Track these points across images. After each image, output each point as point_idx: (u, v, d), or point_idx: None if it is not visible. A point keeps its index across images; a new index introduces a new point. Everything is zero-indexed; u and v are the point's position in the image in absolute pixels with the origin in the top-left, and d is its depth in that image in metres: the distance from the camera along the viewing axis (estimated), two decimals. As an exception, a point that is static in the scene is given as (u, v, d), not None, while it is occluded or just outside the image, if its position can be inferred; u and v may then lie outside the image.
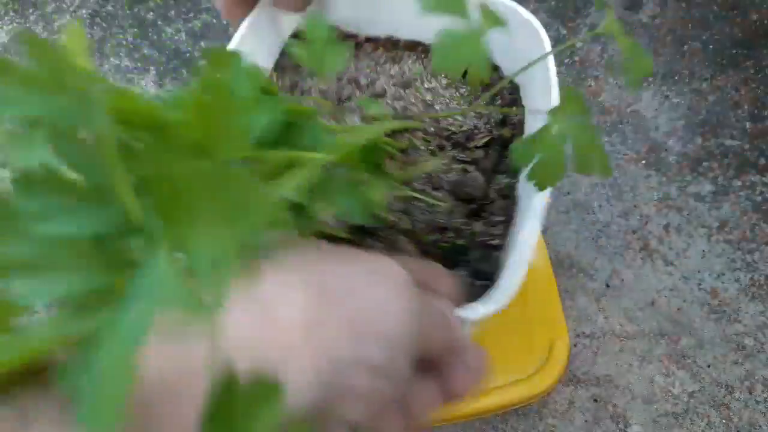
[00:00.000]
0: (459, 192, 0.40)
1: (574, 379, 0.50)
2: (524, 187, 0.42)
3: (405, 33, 0.46)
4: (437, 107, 0.43)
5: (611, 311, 0.52)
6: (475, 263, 0.39)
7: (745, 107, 0.58)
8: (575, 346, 0.51)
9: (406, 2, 0.45)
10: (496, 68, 0.48)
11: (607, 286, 0.53)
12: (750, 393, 0.50)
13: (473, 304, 0.32)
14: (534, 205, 0.37)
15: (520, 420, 0.49)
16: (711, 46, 0.62)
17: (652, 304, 0.52)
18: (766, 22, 0.62)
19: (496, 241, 0.40)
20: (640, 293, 0.53)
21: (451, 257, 0.39)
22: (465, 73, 0.26)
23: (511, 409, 0.48)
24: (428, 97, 0.44)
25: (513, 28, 0.46)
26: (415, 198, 0.38)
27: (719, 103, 0.59)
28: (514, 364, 0.46)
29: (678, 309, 0.52)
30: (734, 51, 0.61)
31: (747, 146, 0.56)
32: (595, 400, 0.50)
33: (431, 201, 0.38)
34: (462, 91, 0.45)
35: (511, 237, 0.40)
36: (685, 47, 0.63)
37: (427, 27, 0.44)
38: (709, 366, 0.51)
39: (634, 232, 0.54)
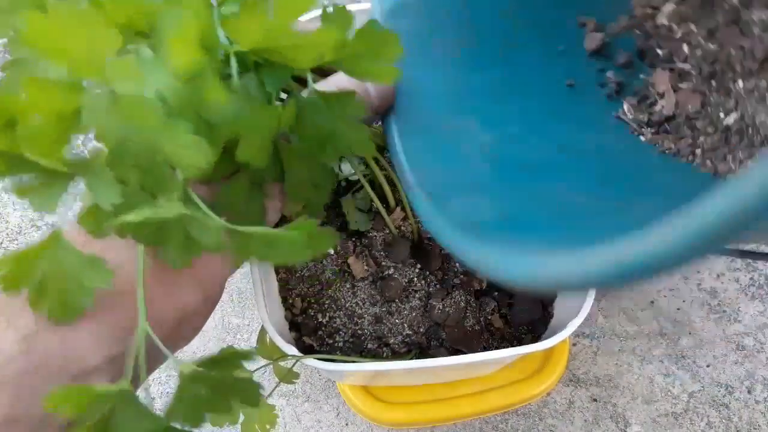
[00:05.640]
0: None
1: (574, 379, 0.50)
2: None
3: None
4: None
5: (611, 311, 0.52)
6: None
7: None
8: (575, 345, 0.51)
9: None
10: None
11: (607, 286, 0.53)
12: (750, 393, 0.50)
13: (559, 334, 0.33)
14: None
15: (520, 420, 0.49)
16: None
17: (652, 304, 0.52)
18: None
19: None
20: (639, 293, 0.53)
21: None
22: None
23: (511, 409, 0.48)
24: None
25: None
26: None
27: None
28: (513, 364, 0.46)
29: (678, 309, 0.52)
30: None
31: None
32: (595, 400, 0.50)
33: None
34: None
35: None
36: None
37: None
38: (708, 366, 0.51)
39: (634, 232, 0.54)
